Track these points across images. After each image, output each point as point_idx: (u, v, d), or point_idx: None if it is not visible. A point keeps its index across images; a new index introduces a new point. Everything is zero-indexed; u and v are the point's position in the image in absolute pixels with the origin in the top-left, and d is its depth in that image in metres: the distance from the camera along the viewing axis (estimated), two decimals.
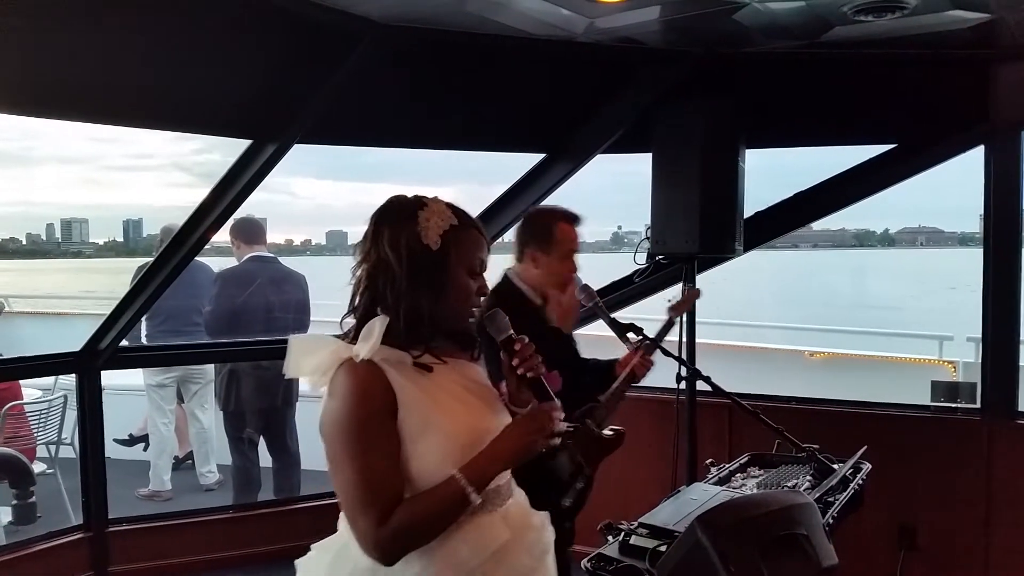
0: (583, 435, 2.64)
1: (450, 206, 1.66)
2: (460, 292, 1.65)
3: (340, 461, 1.56)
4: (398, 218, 1.64)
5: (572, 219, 2.80)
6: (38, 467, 4.99)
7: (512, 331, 1.69)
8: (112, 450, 5.42)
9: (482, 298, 1.71)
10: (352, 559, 1.60)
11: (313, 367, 1.62)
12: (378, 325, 1.59)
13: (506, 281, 2.82)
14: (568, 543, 2.57)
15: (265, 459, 4.94)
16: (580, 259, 2.84)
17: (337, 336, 1.68)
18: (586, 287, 2.48)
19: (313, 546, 1.74)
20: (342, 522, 1.65)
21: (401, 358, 1.60)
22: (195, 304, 5.04)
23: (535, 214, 2.87)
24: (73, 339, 4.09)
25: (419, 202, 1.65)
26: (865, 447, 2.59)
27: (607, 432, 2.71)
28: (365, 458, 1.54)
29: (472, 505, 1.55)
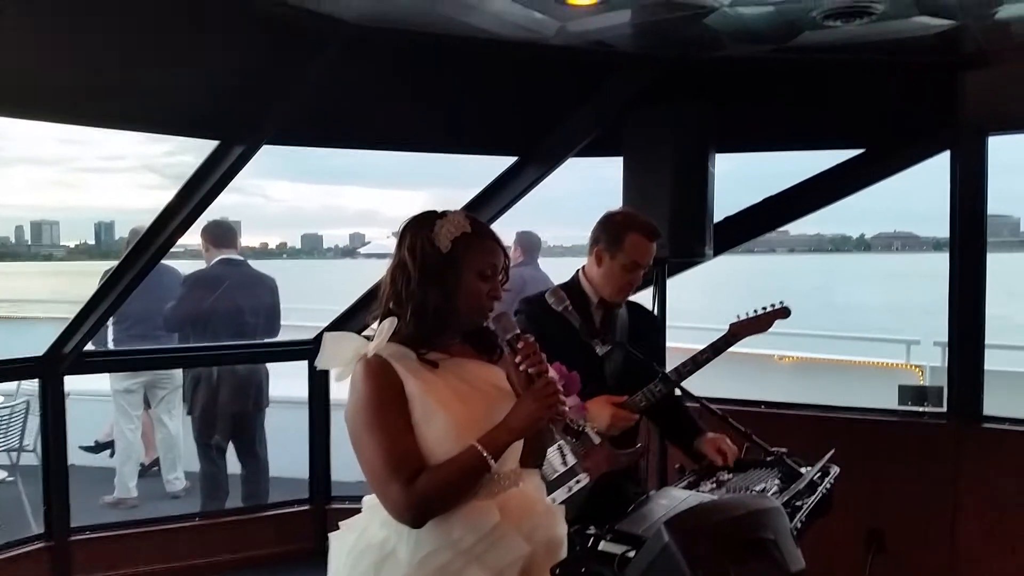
0: (587, 441, 2.62)
1: (469, 217, 1.86)
2: (469, 293, 1.81)
3: (363, 441, 1.75)
4: (419, 226, 1.84)
5: (648, 232, 2.71)
6: None
7: (518, 330, 1.82)
8: (77, 457, 5.35)
9: (495, 301, 1.85)
10: (368, 538, 1.80)
11: (339, 360, 1.81)
12: (387, 325, 1.80)
13: (574, 277, 2.80)
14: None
15: (233, 465, 4.88)
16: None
17: (362, 334, 1.87)
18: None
19: (341, 523, 1.92)
20: (365, 503, 1.85)
21: (405, 354, 1.78)
22: (162, 308, 4.97)
23: (613, 214, 2.77)
24: (40, 344, 4.01)
25: (440, 214, 1.86)
26: (832, 451, 2.59)
27: (623, 452, 2.66)
28: (385, 432, 1.73)
29: (489, 470, 1.72)
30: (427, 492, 1.70)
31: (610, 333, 2.71)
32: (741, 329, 2.78)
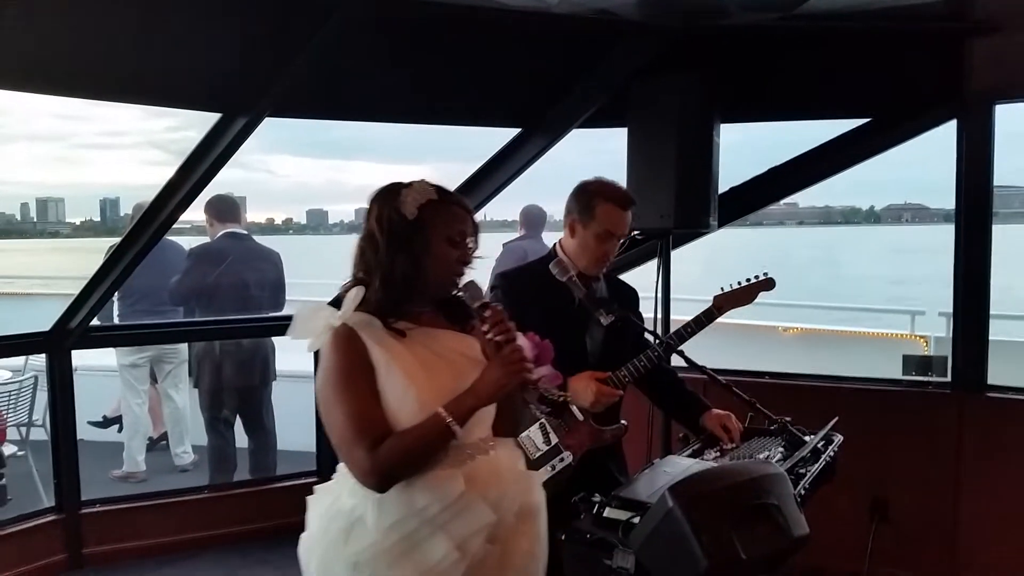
0: (570, 418, 2.62)
1: (435, 186, 1.86)
2: (438, 259, 1.83)
3: (330, 407, 1.78)
4: (385, 196, 1.86)
5: (621, 201, 2.64)
6: (8, 449, 4.92)
7: (485, 299, 1.83)
8: (86, 432, 5.38)
9: (464, 266, 1.86)
10: (339, 504, 1.82)
11: (310, 331, 1.83)
12: (353, 293, 1.82)
13: (552, 251, 2.75)
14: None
15: (241, 439, 4.92)
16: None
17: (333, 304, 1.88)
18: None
19: (316, 488, 1.95)
20: (339, 471, 1.87)
21: (372, 322, 1.80)
22: (167, 283, 4.98)
23: (585, 184, 2.69)
24: (47, 320, 4.03)
25: (406, 184, 1.86)
26: (836, 419, 2.60)
27: (607, 429, 2.63)
28: (350, 397, 1.76)
29: (454, 436, 1.74)
30: (391, 457, 1.72)
31: (614, 303, 2.69)
32: (725, 302, 2.75)
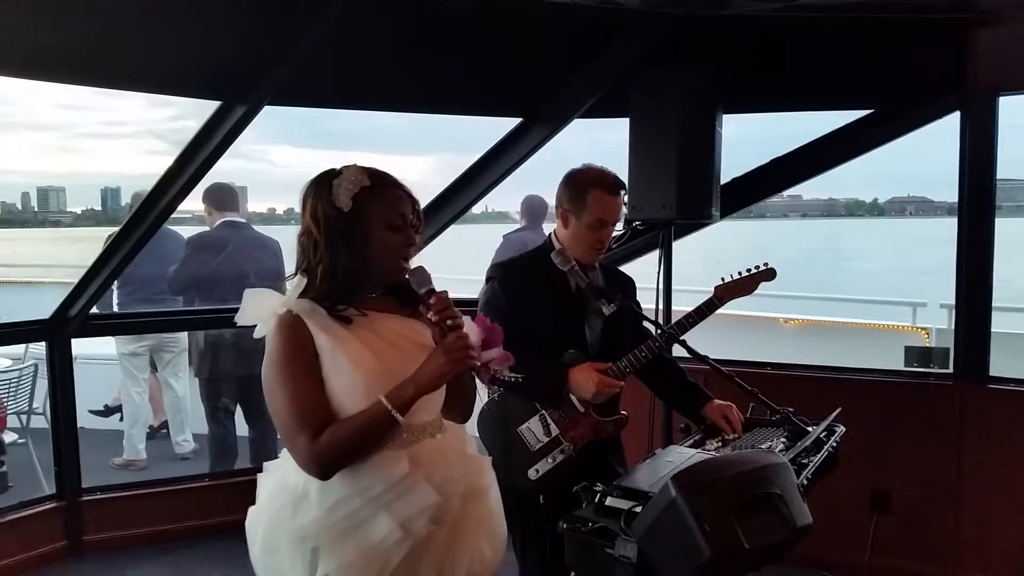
0: (571, 409, 2.61)
1: (367, 170, 1.82)
2: (381, 247, 1.82)
3: (273, 393, 1.77)
4: (316, 189, 1.83)
5: (611, 187, 2.62)
6: (9, 437, 4.93)
7: (432, 285, 1.82)
8: (86, 420, 5.38)
9: (410, 249, 1.84)
10: (286, 480, 1.83)
11: (257, 316, 1.83)
12: (296, 281, 1.82)
13: (547, 241, 2.74)
14: (543, 518, 2.47)
15: (241, 427, 4.92)
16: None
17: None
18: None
19: (266, 464, 1.98)
20: (283, 450, 1.84)
21: (315, 309, 1.79)
22: (166, 272, 4.97)
23: (574, 172, 2.67)
24: (47, 308, 4.03)
25: (334, 172, 1.83)
26: (839, 409, 2.60)
27: (608, 420, 2.63)
28: (293, 385, 1.75)
29: (397, 424, 1.74)
30: (332, 445, 1.72)
31: (617, 293, 2.69)
32: (726, 292, 2.75)
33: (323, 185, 1.82)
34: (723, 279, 2.78)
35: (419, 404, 1.78)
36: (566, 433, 2.60)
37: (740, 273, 2.78)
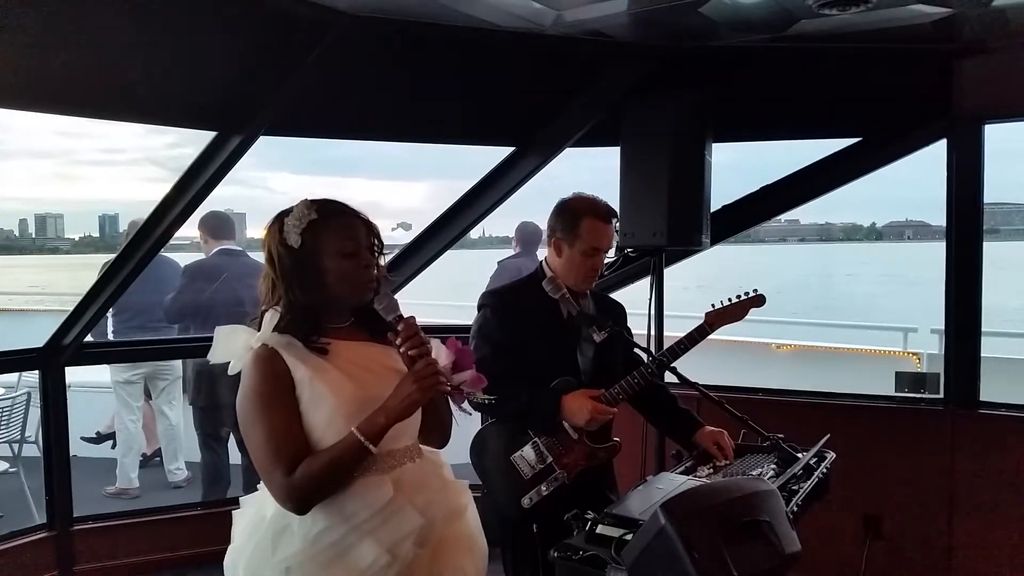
0: (564, 436, 2.62)
1: (316, 203, 1.85)
2: (338, 276, 1.83)
3: (250, 428, 1.78)
4: (270, 229, 1.87)
5: (603, 215, 2.66)
6: (0, 466, 4.91)
7: (400, 312, 1.83)
8: (79, 448, 5.38)
9: (368, 271, 1.85)
10: (263, 514, 1.83)
11: (229, 353, 1.84)
12: (268, 317, 1.84)
13: (539, 269, 2.76)
14: (536, 546, 2.47)
15: (235, 456, 4.90)
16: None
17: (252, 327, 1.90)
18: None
19: (241, 499, 1.98)
20: (261, 483, 1.84)
21: (291, 342, 1.80)
22: (162, 299, 4.98)
23: (566, 201, 2.71)
24: (41, 336, 4.03)
25: (287, 211, 1.86)
26: (828, 436, 2.61)
27: (601, 447, 2.65)
28: (269, 420, 1.76)
29: (370, 454, 1.75)
30: (307, 481, 1.72)
31: (608, 319, 2.71)
32: (717, 318, 2.77)
33: (275, 224, 1.85)
34: (713, 305, 2.81)
35: (397, 430, 1.79)
36: (559, 460, 2.60)
37: (731, 299, 2.80)
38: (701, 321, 2.78)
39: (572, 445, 2.62)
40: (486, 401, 1.89)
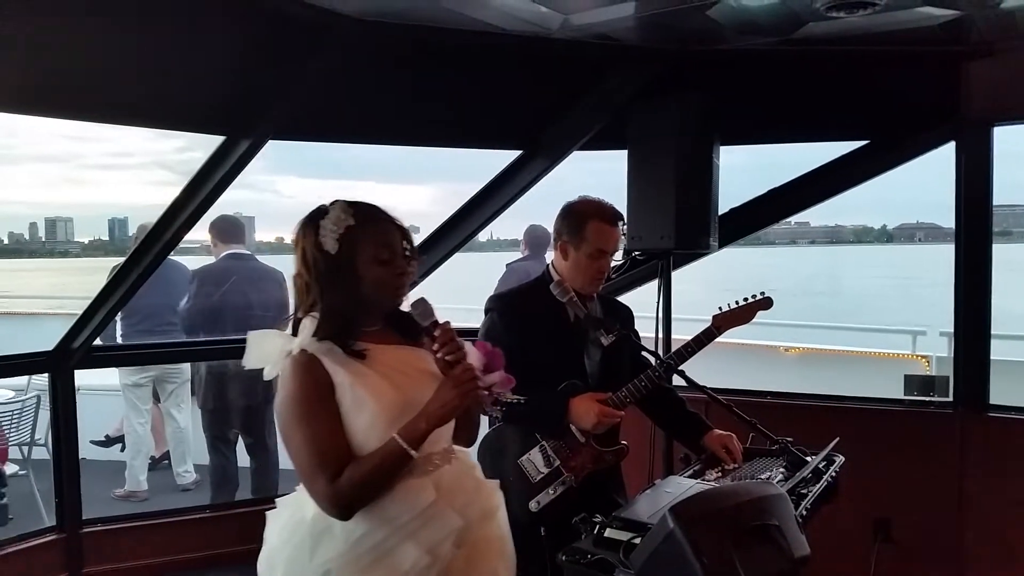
0: (572, 440, 2.62)
1: (353, 206, 1.84)
2: (373, 282, 1.83)
3: (291, 435, 1.78)
4: (304, 231, 1.85)
5: (609, 218, 2.67)
6: (10, 468, 4.93)
7: (436, 317, 1.83)
8: (88, 451, 5.39)
9: (402, 278, 1.86)
10: (303, 516, 1.83)
11: (265, 358, 1.84)
12: (307, 324, 1.82)
13: (546, 272, 2.77)
14: (544, 550, 2.45)
15: (243, 458, 4.92)
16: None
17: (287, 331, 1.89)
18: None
19: (277, 500, 1.97)
20: (300, 485, 1.85)
21: (330, 348, 1.80)
22: (170, 303, 5.01)
23: (572, 204, 2.73)
24: (51, 340, 4.05)
25: (322, 211, 1.84)
26: (837, 439, 2.60)
27: (608, 450, 2.65)
28: (311, 428, 1.76)
29: (411, 460, 1.76)
30: (351, 488, 1.74)
31: (616, 323, 2.71)
32: (724, 321, 2.78)
33: (311, 226, 1.84)
34: (720, 308, 2.82)
35: (435, 433, 1.81)
36: (567, 464, 2.60)
37: (738, 302, 2.81)
38: (708, 324, 2.78)
39: (579, 448, 2.62)
40: (514, 401, 1.91)
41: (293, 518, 1.86)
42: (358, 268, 1.82)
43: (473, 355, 1.83)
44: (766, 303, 2.82)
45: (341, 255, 1.81)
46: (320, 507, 1.77)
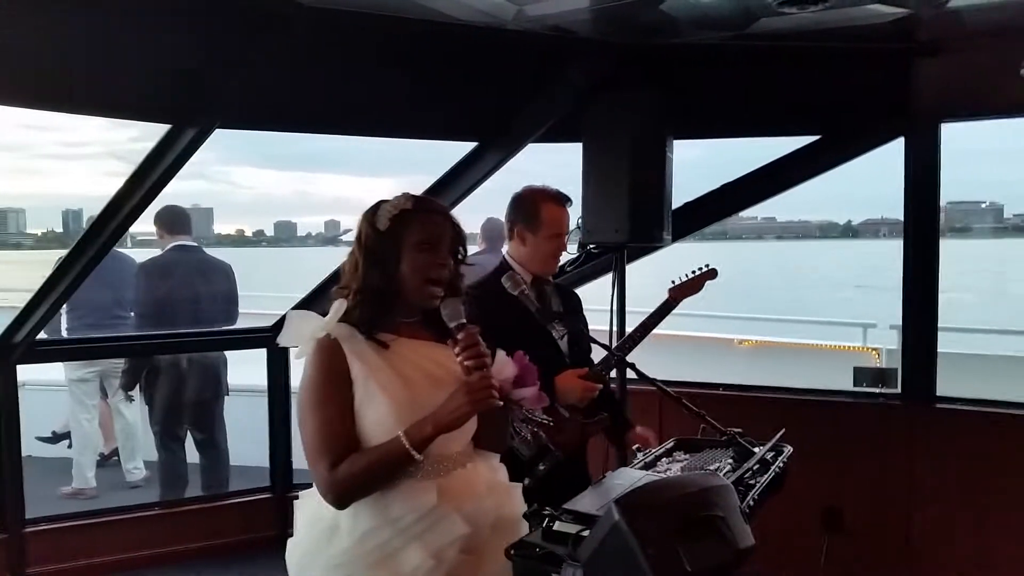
0: (558, 416, 2.63)
1: (414, 197, 1.90)
2: (410, 267, 1.85)
3: (305, 419, 1.82)
4: (366, 214, 1.90)
5: (560, 200, 2.80)
6: None
7: (463, 320, 1.82)
8: (34, 448, 5.26)
9: (439, 270, 1.86)
10: (320, 510, 1.84)
11: (299, 338, 1.85)
12: (336, 305, 1.84)
13: (503, 263, 2.82)
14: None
15: (192, 454, 4.83)
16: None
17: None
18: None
19: (302, 492, 1.97)
20: None
21: (353, 334, 1.82)
22: (117, 296, 4.89)
23: (523, 193, 2.83)
24: None
25: (389, 200, 1.89)
26: (783, 430, 2.62)
27: (591, 422, 2.75)
28: (322, 413, 1.79)
29: (414, 461, 1.76)
30: (347, 478, 1.76)
31: (568, 315, 2.74)
32: (679, 292, 3.02)
33: (372, 209, 1.89)
34: (673, 282, 3.04)
35: (449, 436, 1.80)
36: (554, 440, 2.61)
37: (687, 275, 3.07)
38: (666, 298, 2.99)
39: (565, 423, 2.65)
40: (544, 421, 1.90)
41: (314, 511, 1.88)
42: (401, 249, 1.84)
43: (508, 366, 1.84)
44: (711, 273, 3.07)
45: (390, 233, 1.84)
46: (319, 492, 1.80)
